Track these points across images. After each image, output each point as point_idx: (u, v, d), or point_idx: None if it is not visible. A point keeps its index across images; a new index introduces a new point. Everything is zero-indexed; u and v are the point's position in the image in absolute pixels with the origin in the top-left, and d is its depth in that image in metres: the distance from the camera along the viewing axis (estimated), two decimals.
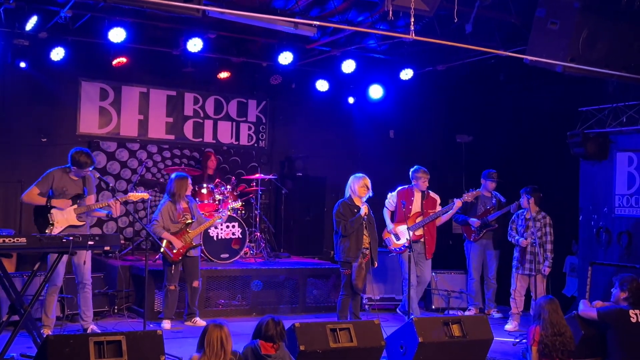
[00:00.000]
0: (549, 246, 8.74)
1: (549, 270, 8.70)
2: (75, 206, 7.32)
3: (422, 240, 8.84)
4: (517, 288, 8.86)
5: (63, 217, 7.25)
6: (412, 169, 8.98)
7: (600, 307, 6.60)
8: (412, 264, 8.60)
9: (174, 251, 8.20)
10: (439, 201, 9.06)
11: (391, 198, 8.94)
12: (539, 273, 8.63)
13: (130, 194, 7.79)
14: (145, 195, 7.90)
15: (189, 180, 8.44)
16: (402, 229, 8.70)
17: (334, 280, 9.66)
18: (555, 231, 8.87)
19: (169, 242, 8.19)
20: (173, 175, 8.48)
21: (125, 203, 7.56)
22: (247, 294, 9.23)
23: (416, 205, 8.90)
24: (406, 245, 8.65)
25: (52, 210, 7.22)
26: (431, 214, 8.84)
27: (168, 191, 8.38)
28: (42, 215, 7.22)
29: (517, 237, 8.79)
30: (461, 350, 6.48)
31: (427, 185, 8.90)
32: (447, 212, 8.91)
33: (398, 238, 8.82)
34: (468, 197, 9.00)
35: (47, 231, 7.09)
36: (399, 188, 9.00)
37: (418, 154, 12.87)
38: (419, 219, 8.83)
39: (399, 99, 12.14)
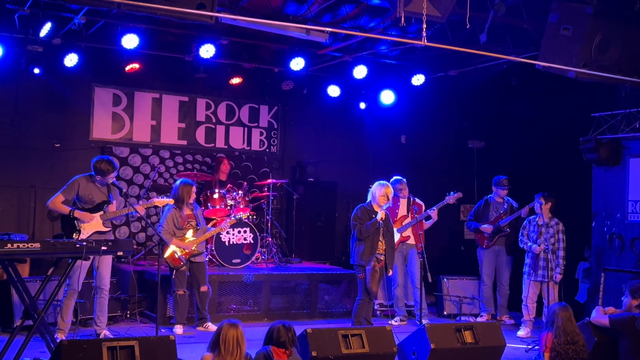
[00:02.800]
0: (561, 253, 8.70)
1: (561, 277, 8.67)
2: (102, 212, 7.39)
3: (408, 242, 9.30)
4: (529, 295, 8.83)
5: (90, 223, 7.35)
6: (391, 181, 9.24)
7: (612, 315, 6.57)
8: (400, 265, 9.25)
9: (176, 256, 8.20)
10: (424, 206, 9.43)
11: None
12: (552, 280, 8.60)
13: (155, 199, 7.91)
14: (171, 200, 7.99)
15: (194, 187, 8.47)
16: None
17: (346, 286, 9.66)
18: (568, 237, 8.84)
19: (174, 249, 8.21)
20: (178, 182, 8.49)
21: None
22: (259, 300, 9.24)
23: (402, 209, 9.33)
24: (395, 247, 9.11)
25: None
26: (417, 217, 9.26)
27: (173, 197, 8.40)
28: (69, 221, 7.31)
29: (529, 244, 8.75)
30: (474, 357, 6.46)
31: (407, 192, 9.37)
32: (425, 218, 9.31)
33: None
34: (450, 199, 9.28)
35: (74, 236, 7.18)
36: None
37: (429, 160, 12.88)
38: (405, 221, 9.26)
39: (411, 105, 12.13)
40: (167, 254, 8.13)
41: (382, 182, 8.08)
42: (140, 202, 7.45)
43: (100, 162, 7.38)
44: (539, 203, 8.71)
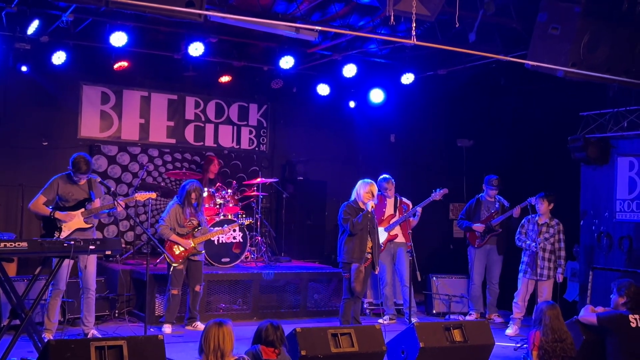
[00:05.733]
0: (563, 253, 8.75)
1: (562, 276, 8.71)
2: (83, 210, 7.35)
3: (396, 240, 9.32)
4: (522, 293, 8.84)
5: (71, 221, 7.31)
6: (379, 179, 9.31)
7: (600, 313, 6.59)
8: (388, 264, 9.30)
9: (177, 253, 8.22)
10: (411, 206, 9.42)
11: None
12: (549, 278, 8.63)
13: (137, 194, 7.84)
14: (153, 194, 7.96)
15: (201, 189, 8.52)
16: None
17: (335, 285, 9.65)
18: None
19: (172, 245, 8.22)
20: (187, 182, 8.49)
21: (127, 207, 7.59)
22: (248, 299, 9.23)
23: (389, 208, 9.35)
24: (383, 246, 9.18)
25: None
26: (404, 215, 9.30)
27: (180, 196, 8.41)
28: (50, 220, 7.27)
29: (528, 242, 8.73)
30: (462, 355, 6.48)
31: (394, 192, 9.37)
32: (412, 216, 9.31)
33: None
34: (437, 196, 9.25)
35: (55, 235, 7.13)
36: None
37: (419, 158, 12.91)
38: (393, 220, 9.29)
39: (400, 103, 12.15)
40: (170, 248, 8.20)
41: (365, 180, 8.05)
42: (115, 200, 7.33)
43: (79, 159, 7.26)
44: (542, 203, 8.68)
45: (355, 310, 8.02)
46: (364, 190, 7.93)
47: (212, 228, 8.86)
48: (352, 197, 8.06)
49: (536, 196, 8.78)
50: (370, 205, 7.81)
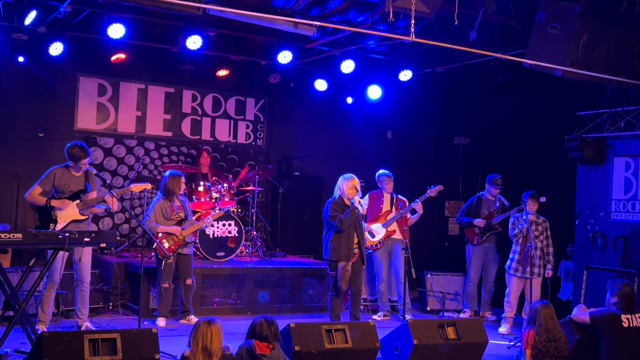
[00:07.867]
0: (551, 249, 8.79)
1: (551, 272, 8.74)
2: (78, 201, 7.33)
3: (393, 236, 9.35)
4: (514, 291, 8.85)
5: (66, 213, 7.28)
6: (377, 174, 9.42)
7: (593, 312, 6.61)
8: (385, 261, 9.35)
9: (166, 246, 8.18)
10: (407, 202, 9.43)
11: (363, 201, 9.21)
12: (539, 276, 8.65)
13: (132, 185, 7.80)
14: (148, 185, 7.93)
15: (183, 179, 8.45)
16: (376, 227, 9.29)
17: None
18: (551, 235, 8.88)
19: (161, 239, 8.18)
20: (167, 173, 8.47)
21: (122, 199, 7.56)
22: (242, 293, 9.22)
23: (386, 204, 9.39)
24: (381, 242, 9.28)
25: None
26: (401, 211, 9.32)
27: (162, 189, 8.38)
28: (45, 211, 7.24)
29: (520, 225, 8.69)
30: (456, 353, 6.48)
31: (392, 188, 9.39)
32: (411, 210, 9.33)
33: (373, 236, 9.29)
34: (432, 192, 9.29)
35: (51, 226, 7.10)
36: (370, 192, 9.50)
37: (415, 155, 12.90)
38: (390, 216, 9.32)
39: (398, 100, 12.13)
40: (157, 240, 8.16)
41: (345, 175, 8.04)
42: (110, 192, 7.32)
43: (73, 148, 7.31)
44: (531, 201, 8.67)
45: (354, 307, 8.03)
46: (346, 187, 7.92)
47: (197, 220, 8.83)
48: (336, 194, 8.05)
49: (526, 195, 8.73)
50: (357, 200, 7.81)
